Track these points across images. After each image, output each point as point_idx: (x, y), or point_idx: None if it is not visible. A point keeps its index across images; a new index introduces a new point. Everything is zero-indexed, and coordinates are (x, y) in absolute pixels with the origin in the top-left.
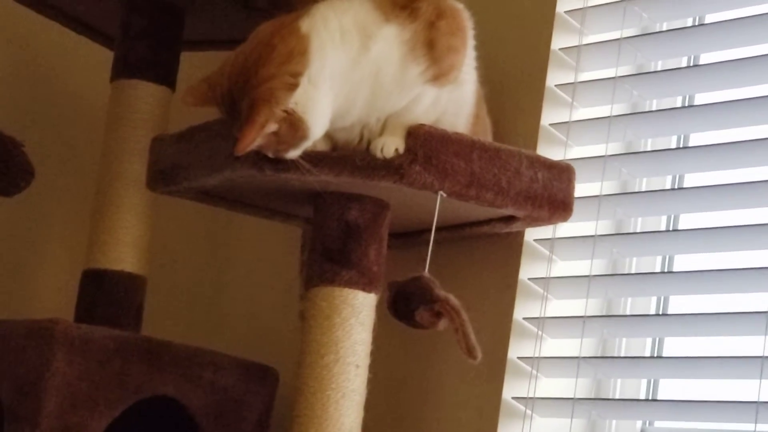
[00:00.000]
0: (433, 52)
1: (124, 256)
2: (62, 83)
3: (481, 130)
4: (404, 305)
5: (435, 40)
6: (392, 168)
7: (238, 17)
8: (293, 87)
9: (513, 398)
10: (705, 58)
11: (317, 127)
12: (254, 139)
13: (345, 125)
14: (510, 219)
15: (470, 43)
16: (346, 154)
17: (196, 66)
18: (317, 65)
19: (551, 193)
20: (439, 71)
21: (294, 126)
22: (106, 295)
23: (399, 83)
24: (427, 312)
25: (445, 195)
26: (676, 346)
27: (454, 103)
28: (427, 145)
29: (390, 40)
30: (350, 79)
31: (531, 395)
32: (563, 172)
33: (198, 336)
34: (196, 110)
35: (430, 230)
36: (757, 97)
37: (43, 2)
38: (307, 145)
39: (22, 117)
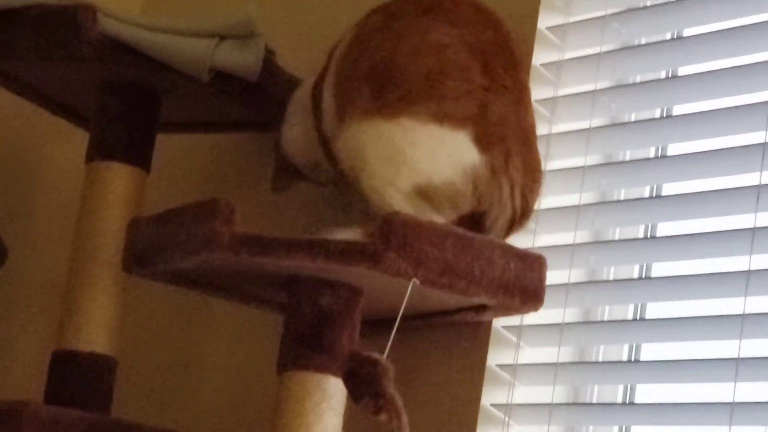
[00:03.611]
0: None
1: (94, 337)
2: (37, 164)
3: None
4: (353, 387)
5: None
6: (367, 254)
7: (213, 101)
8: None
9: None
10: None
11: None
12: None
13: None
14: (481, 308)
15: None
16: (321, 240)
17: (171, 148)
18: None
19: (523, 283)
20: None
21: None
22: (76, 377)
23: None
24: (371, 403)
25: (418, 282)
26: None
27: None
28: (401, 231)
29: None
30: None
31: None
32: (535, 262)
33: (168, 418)
34: (169, 193)
35: (403, 318)
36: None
37: (19, 82)
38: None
39: None
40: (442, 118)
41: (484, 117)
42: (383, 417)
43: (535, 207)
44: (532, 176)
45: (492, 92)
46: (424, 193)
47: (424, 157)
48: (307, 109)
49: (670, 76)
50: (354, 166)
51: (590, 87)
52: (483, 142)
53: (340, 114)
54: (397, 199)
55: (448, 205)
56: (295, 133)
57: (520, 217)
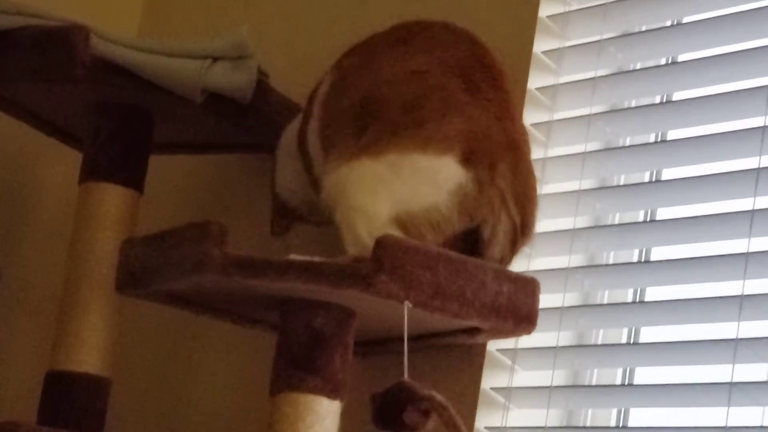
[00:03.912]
0: None
1: (88, 358)
2: (30, 185)
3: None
4: (391, 410)
5: None
6: (359, 277)
7: (206, 122)
8: None
9: None
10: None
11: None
12: None
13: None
14: (474, 331)
15: None
16: (313, 262)
17: (164, 169)
18: None
19: (516, 307)
20: None
21: None
22: (70, 398)
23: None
24: (415, 412)
25: (410, 305)
26: None
27: None
28: (393, 255)
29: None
30: None
31: None
32: (528, 286)
33: None
34: (162, 214)
35: (395, 339)
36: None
37: (12, 103)
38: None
39: None
40: (426, 144)
41: (468, 134)
42: (431, 421)
43: (537, 214)
44: (523, 183)
45: (475, 107)
46: (403, 223)
47: (407, 186)
48: (296, 152)
49: (665, 100)
50: (334, 202)
51: (585, 111)
52: (468, 159)
53: (326, 154)
54: (370, 232)
55: (429, 232)
56: (287, 175)
57: (521, 228)
